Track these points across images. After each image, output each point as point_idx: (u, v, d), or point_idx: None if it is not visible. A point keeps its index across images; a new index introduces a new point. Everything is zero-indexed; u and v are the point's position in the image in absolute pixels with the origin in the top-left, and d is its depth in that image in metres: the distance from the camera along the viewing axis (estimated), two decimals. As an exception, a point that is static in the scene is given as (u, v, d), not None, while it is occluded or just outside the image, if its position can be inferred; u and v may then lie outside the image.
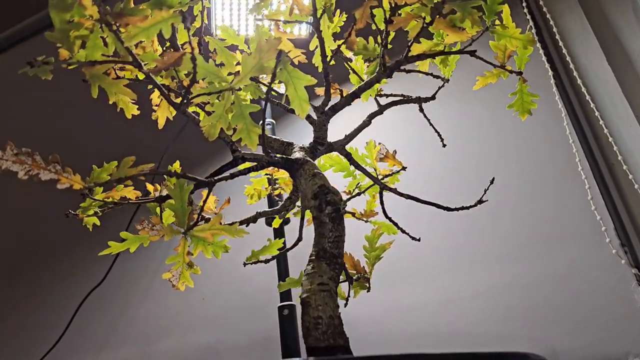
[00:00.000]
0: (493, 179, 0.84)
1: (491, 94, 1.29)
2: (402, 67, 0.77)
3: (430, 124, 0.87)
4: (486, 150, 1.29)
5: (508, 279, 1.13)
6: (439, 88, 0.85)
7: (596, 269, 1.07)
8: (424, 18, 0.69)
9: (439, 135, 0.87)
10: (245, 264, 0.79)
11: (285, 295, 1.19)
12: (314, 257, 0.62)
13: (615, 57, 1.31)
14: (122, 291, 1.55)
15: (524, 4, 1.41)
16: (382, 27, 0.74)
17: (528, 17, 1.39)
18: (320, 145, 0.79)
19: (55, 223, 1.82)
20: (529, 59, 0.80)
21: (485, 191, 0.82)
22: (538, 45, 1.35)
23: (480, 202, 0.80)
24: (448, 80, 0.85)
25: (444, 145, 0.87)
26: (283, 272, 1.22)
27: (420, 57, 0.77)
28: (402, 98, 0.86)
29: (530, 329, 1.07)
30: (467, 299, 1.15)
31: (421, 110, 0.87)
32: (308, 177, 0.69)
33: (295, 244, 0.82)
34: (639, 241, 1.09)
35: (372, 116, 0.84)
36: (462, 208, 0.81)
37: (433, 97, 0.84)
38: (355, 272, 0.83)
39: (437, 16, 0.68)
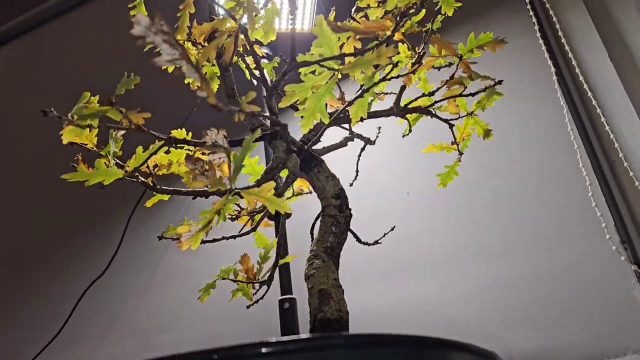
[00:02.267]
0: (394, 227, 0.91)
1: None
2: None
3: (357, 163, 0.96)
4: (487, 147, 1.29)
5: (507, 274, 1.14)
6: (377, 135, 0.95)
7: (596, 265, 1.07)
8: (465, 87, 0.79)
9: (357, 174, 0.96)
10: (159, 238, 0.81)
11: (286, 289, 1.20)
12: (322, 252, 0.63)
13: (617, 53, 1.31)
14: (123, 284, 1.56)
15: (527, 0, 1.41)
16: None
17: (531, 13, 1.39)
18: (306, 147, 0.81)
19: (56, 215, 1.82)
20: (467, 146, 0.90)
21: (384, 234, 0.89)
22: (541, 41, 1.35)
23: (376, 242, 0.89)
24: (408, 134, 0.93)
25: (351, 185, 0.91)
26: (283, 265, 1.22)
27: (425, 111, 0.85)
28: (355, 133, 0.92)
29: (530, 324, 1.07)
30: (466, 295, 1.15)
31: (362, 150, 0.94)
32: (329, 176, 0.71)
33: (247, 233, 0.85)
34: (638, 238, 1.10)
35: (347, 139, 0.90)
36: (376, 242, 0.88)
37: (373, 143, 0.93)
38: (246, 274, 0.86)
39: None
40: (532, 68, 1.34)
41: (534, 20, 1.38)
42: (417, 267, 1.23)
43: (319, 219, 0.73)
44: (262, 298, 0.88)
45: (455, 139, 0.88)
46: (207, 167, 0.45)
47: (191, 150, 0.78)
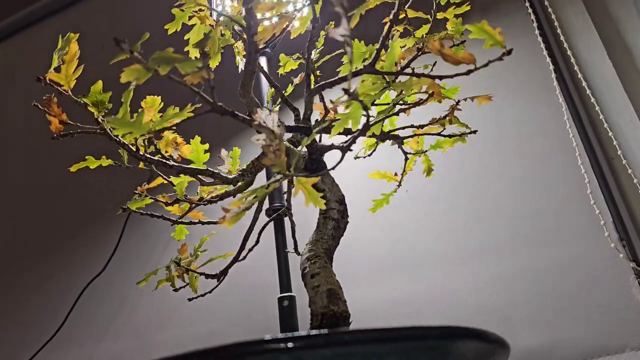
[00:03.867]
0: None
1: (491, 85, 1.29)
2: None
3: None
4: (486, 144, 1.29)
5: (507, 272, 1.14)
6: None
7: (595, 262, 1.08)
8: (444, 128, 0.86)
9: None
10: (123, 210, 0.81)
11: (285, 287, 1.20)
12: (322, 253, 0.65)
13: (616, 52, 1.31)
14: (122, 282, 1.56)
15: (526, -2, 1.41)
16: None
17: (530, 10, 1.39)
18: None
19: (54, 212, 1.82)
20: (404, 180, 0.95)
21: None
22: (539, 39, 1.35)
23: None
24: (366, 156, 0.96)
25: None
26: (283, 263, 1.22)
27: (400, 141, 0.89)
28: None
29: (528, 321, 1.07)
30: (464, 293, 1.16)
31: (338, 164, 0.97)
32: (333, 181, 0.74)
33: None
34: (637, 235, 1.10)
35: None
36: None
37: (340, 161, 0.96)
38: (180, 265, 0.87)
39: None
40: (530, 66, 1.35)
41: (533, 17, 1.38)
42: (415, 264, 1.23)
43: (319, 221, 0.73)
44: (210, 292, 0.87)
45: (404, 171, 0.93)
46: (278, 147, 0.44)
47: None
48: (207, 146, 0.77)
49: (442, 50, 0.50)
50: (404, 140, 0.89)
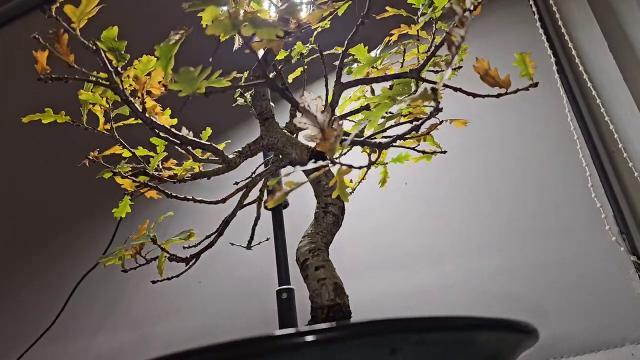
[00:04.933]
0: (268, 238, 0.98)
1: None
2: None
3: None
4: (487, 137, 1.29)
5: (507, 265, 1.13)
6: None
7: (596, 256, 1.07)
8: (419, 143, 0.88)
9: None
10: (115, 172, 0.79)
11: (284, 279, 1.19)
12: (323, 247, 0.65)
13: (617, 45, 1.30)
14: (119, 274, 1.54)
15: (527, -11, 1.40)
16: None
17: (531, 2, 1.38)
18: None
19: (50, 204, 1.80)
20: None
21: (259, 242, 0.96)
22: (541, 31, 1.34)
23: (249, 247, 0.97)
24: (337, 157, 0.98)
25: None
26: (281, 255, 1.21)
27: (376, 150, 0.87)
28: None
29: (529, 315, 1.07)
30: (466, 285, 1.15)
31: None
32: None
33: (222, 201, 0.84)
34: (637, 229, 1.10)
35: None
36: (249, 247, 0.96)
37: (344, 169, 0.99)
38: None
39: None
40: (531, 58, 1.33)
41: (534, 9, 1.37)
42: (415, 258, 1.23)
43: (319, 214, 0.73)
44: (177, 276, 0.86)
45: (362, 179, 0.94)
46: (339, 133, 0.43)
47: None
48: (175, 121, 0.75)
49: (488, 70, 0.51)
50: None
